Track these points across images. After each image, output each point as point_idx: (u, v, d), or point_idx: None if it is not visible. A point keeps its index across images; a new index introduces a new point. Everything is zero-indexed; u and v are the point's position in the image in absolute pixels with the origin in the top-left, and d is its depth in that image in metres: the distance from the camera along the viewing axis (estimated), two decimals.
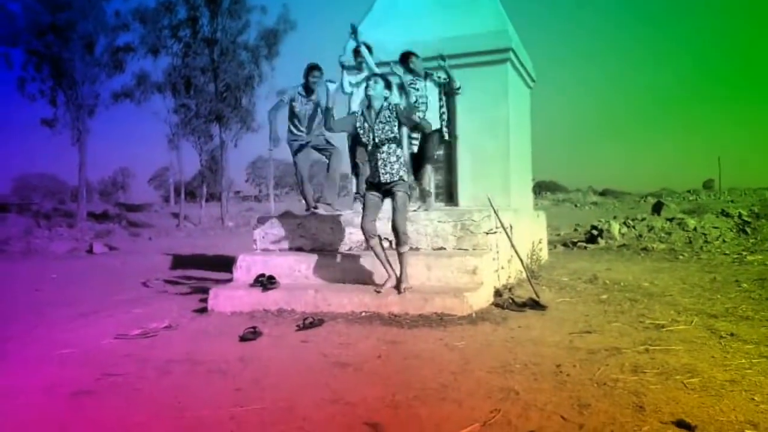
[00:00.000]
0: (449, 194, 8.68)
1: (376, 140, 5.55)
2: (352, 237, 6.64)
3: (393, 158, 5.54)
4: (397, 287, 5.60)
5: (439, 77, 7.12)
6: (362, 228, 5.68)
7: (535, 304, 5.68)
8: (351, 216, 6.84)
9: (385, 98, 5.64)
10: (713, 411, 2.96)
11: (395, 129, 5.56)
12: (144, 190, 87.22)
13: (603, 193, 63.69)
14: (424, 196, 7.27)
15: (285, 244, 6.98)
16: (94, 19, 31.68)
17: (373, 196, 5.69)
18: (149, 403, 3.37)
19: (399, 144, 5.61)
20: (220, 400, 3.35)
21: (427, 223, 6.51)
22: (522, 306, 5.66)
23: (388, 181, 5.55)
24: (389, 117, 5.54)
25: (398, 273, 5.68)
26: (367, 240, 5.70)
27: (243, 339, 4.77)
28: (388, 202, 5.69)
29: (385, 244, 6.62)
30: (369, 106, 5.63)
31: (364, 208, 5.75)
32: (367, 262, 6.08)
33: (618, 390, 3.30)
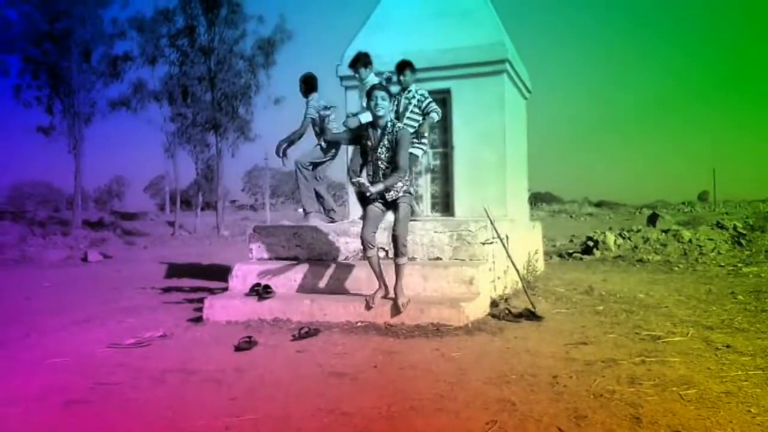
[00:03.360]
0: (446, 204, 8.69)
1: (383, 156, 5.41)
2: (349, 246, 6.63)
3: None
4: (395, 303, 5.42)
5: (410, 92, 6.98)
6: (362, 238, 5.51)
7: (531, 315, 5.67)
8: (347, 226, 6.84)
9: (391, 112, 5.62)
10: (709, 423, 2.95)
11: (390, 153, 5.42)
12: (139, 199, 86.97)
13: (598, 205, 63.95)
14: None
15: (281, 254, 6.96)
16: (92, 27, 31.71)
17: (377, 207, 5.53)
18: (143, 413, 3.34)
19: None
20: (215, 410, 3.32)
21: (423, 233, 6.50)
22: (518, 317, 5.65)
23: (394, 198, 5.43)
24: (394, 135, 5.35)
25: (393, 285, 5.53)
26: (365, 250, 5.57)
27: (238, 349, 4.74)
28: (389, 213, 5.63)
29: (381, 254, 6.62)
30: (374, 123, 5.44)
31: (365, 218, 5.57)
32: (363, 271, 6.05)
33: (615, 401, 3.29)
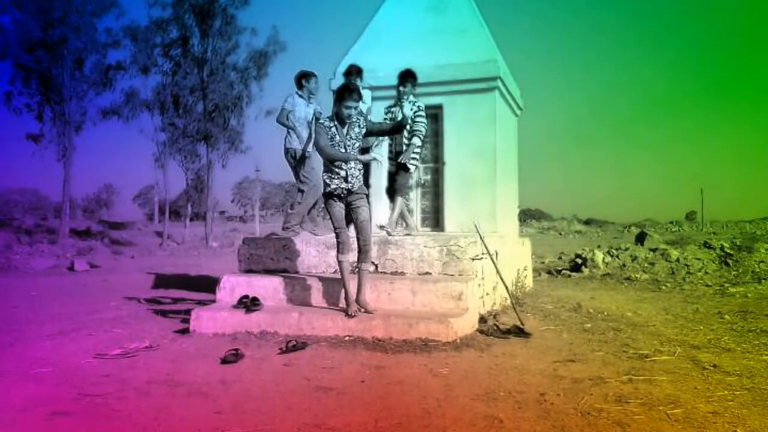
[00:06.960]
0: (436, 219, 8.71)
1: (353, 146, 5.68)
2: None
3: (357, 172, 5.70)
4: (361, 303, 5.67)
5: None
6: (345, 243, 5.68)
7: (519, 332, 5.67)
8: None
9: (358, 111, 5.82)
10: None
11: (361, 143, 5.78)
12: (128, 208, 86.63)
13: (587, 222, 64.13)
14: (407, 222, 7.37)
15: (270, 266, 6.93)
16: (85, 36, 31.64)
17: (341, 208, 5.72)
18: (128, 425, 3.30)
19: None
20: (200, 424, 3.29)
21: (413, 247, 6.50)
22: (506, 333, 5.65)
23: (356, 190, 5.63)
24: (359, 132, 5.68)
25: (358, 293, 5.72)
26: (345, 254, 5.68)
27: (224, 361, 4.71)
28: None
29: (371, 268, 6.61)
30: (341, 120, 5.66)
31: (336, 220, 5.70)
32: (353, 286, 6.04)
33: (602, 420, 3.29)
